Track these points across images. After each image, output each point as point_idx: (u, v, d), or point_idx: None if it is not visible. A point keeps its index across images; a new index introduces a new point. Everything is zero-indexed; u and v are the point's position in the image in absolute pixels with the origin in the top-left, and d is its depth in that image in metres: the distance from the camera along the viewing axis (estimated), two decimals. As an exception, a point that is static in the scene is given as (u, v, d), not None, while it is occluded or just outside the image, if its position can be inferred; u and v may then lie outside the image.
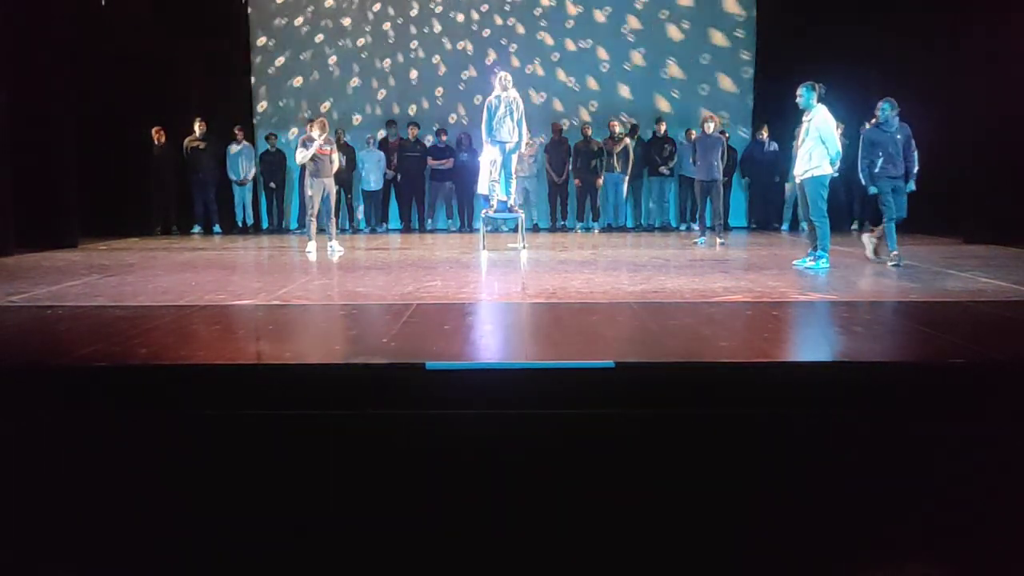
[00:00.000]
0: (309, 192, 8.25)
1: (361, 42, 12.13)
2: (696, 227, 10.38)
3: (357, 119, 12.12)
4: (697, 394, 3.32)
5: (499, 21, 12.09)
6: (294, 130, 11.65)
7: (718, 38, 12.01)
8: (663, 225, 11.72)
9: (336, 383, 3.38)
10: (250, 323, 4.60)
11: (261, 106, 12.15)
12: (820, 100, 6.65)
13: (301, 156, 8.20)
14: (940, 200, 9.81)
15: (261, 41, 12.10)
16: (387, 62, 12.14)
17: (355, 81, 12.17)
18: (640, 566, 3.18)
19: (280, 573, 3.20)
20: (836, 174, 6.85)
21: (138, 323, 4.35)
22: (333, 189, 8.44)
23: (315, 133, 8.19)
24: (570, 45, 12.10)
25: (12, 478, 3.22)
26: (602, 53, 12.08)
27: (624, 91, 12.11)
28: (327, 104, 11.94)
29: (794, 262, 6.93)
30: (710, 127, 9.31)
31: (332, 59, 12.13)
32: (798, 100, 6.73)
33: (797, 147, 6.94)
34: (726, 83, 12.01)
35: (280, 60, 12.12)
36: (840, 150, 6.69)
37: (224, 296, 5.37)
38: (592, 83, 12.12)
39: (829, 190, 6.76)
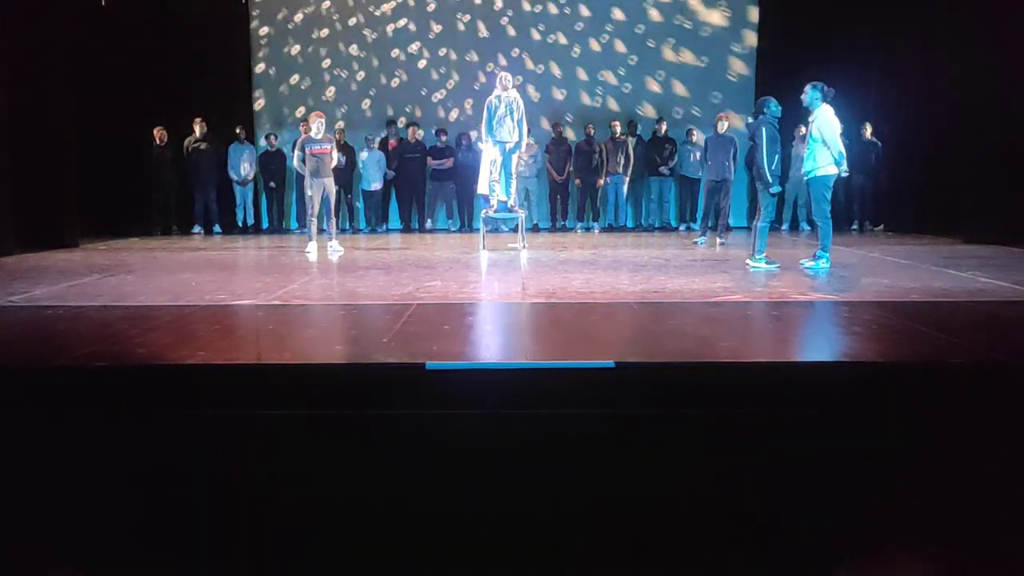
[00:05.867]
0: (309, 192, 8.25)
1: (362, 42, 12.13)
2: (696, 227, 10.39)
3: (353, 115, 12.13)
4: (697, 394, 3.32)
5: (500, 21, 12.10)
6: (302, 120, 11.58)
7: (720, 39, 12.01)
8: (663, 225, 11.72)
9: (336, 383, 3.38)
10: (250, 323, 4.60)
11: (261, 106, 12.16)
12: (826, 102, 6.64)
13: (295, 160, 8.24)
14: (940, 200, 9.84)
15: (262, 41, 12.11)
16: (387, 62, 12.14)
17: (356, 81, 12.18)
18: (640, 565, 3.18)
19: (280, 573, 3.20)
20: (846, 174, 6.88)
21: (138, 323, 4.35)
22: (333, 189, 8.43)
23: (313, 128, 8.20)
24: (571, 44, 12.10)
25: (12, 478, 3.22)
26: (603, 53, 12.09)
27: (625, 91, 12.11)
28: (328, 104, 11.94)
29: (801, 262, 6.93)
30: (723, 126, 9.34)
31: (333, 59, 12.13)
32: (803, 98, 6.73)
33: (802, 147, 6.97)
34: (728, 84, 12.01)
35: (281, 60, 12.13)
36: (843, 151, 6.67)
37: (224, 296, 5.37)
38: (593, 83, 12.12)
39: (831, 191, 6.77)
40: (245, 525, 3.20)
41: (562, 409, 3.25)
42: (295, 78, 12.14)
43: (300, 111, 12.01)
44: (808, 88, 6.70)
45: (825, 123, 6.58)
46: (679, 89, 12.08)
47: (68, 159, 9.03)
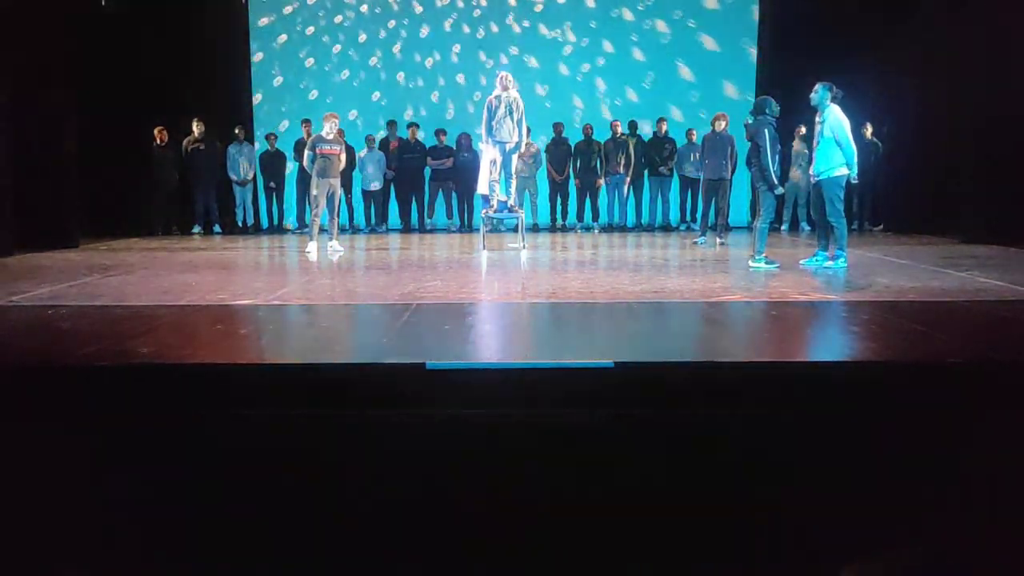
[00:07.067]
0: (315, 192, 8.27)
1: (362, 42, 12.15)
2: (696, 227, 10.39)
3: (354, 114, 12.14)
4: (697, 394, 3.33)
5: (500, 20, 12.11)
6: (303, 120, 11.61)
7: (721, 39, 12.04)
8: (663, 225, 11.73)
9: (336, 383, 3.38)
10: (250, 323, 4.61)
11: (259, 103, 12.17)
12: (834, 102, 6.62)
13: (305, 160, 8.28)
14: (940, 200, 9.84)
15: (261, 41, 12.12)
16: (387, 62, 12.16)
17: (355, 82, 12.19)
18: (640, 565, 3.18)
19: (280, 573, 3.21)
20: (856, 181, 6.86)
21: (139, 323, 4.35)
22: (339, 190, 8.48)
23: (325, 128, 8.22)
24: (571, 44, 12.12)
25: (12, 479, 3.23)
26: (603, 53, 12.11)
27: (625, 91, 12.12)
28: (328, 104, 11.94)
29: (801, 262, 6.94)
30: (721, 125, 9.35)
31: (332, 59, 12.15)
32: (812, 97, 6.71)
33: (803, 147, 6.95)
34: (728, 84, 12.03)
35: (280, 60, 12.14)
36: (855, 150, 6.64)
37: (225, 296, 5.37)
38: (593, 82, 12.14)
39: (844, 190, 6.75)
40: (245, 525, 3.21)
41: (562, 409, 3.26)
42: (294, 77, 12.15)
43: (300, 109, 12.04)
44: (818, 87, 6.67)
45: (837, 124, 6.55)
46: (680, 90, 12.10)
47: (68, 159, 9.03)
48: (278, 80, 12.17)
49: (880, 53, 10.78)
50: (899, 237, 9.98)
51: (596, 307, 4.91)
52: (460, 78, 12.20)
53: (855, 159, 6.65)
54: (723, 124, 9.36)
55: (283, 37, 12.14)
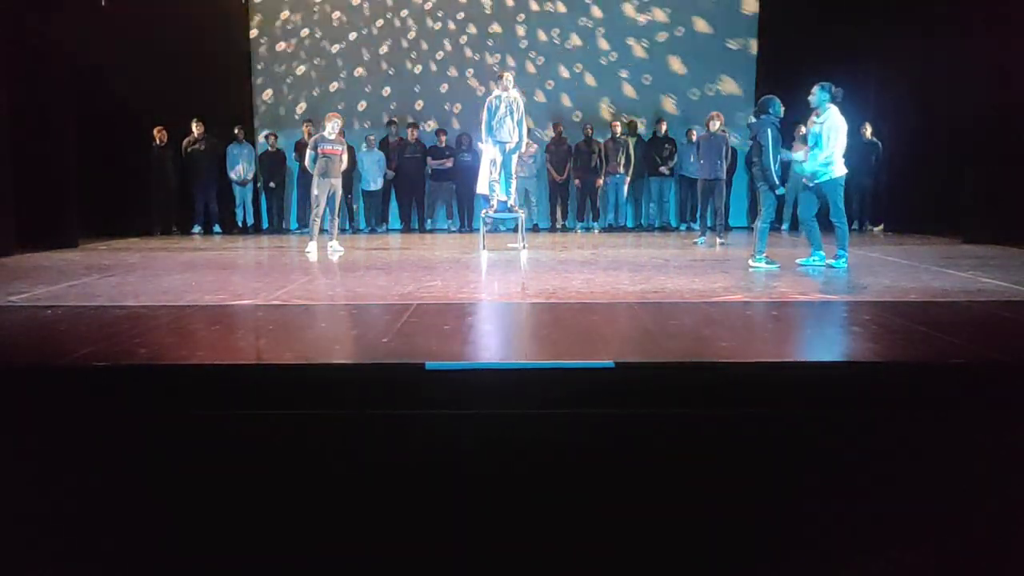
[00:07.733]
0: (316, 191, 8.27)
1: (362, 42, 12.14)
2: (696, 227, 10.39)
3: (353, 114, 12.14)
4: (697, 394, 3.32)
5: (501, 19, 12.11)
6: (304, 119, 11.60)
7: (722, 38, 12.03)
8: (663, 225, 11.73)
9: (336, 383, 3.38)
10: (250, 323, 4.60)
11: (261, 105, 12.17)
12: (833, 103, 6.57)
13: (307, 159, 8.28)
14: (940, 200, 9.84)
15: (262, 41, 12.12)
16: (387, 63, 12.16)
17: (356, 81, 12.19)
18: (639, 566, 3.18)
19: (279, 573, 3.20)
20: (810, 183, 6.74)
21: (138, 323, 4.35)
22: (340, 190, 8.48)
23: (327, 128, 8.21)
24: (571, 43, 12.11)
25: (11, 479, 3.22)
26: (603, 52, 12.10)
27: (625, 91, 12.12)
28: (328, 104, 11.95)
29: (799, 261, 6.94)
30: (715, 125, 9.33)
31: (333, 60, 12.15)
32: (811, 99, 6.67)
33: (803, 148, 6.89)
34: (728, 84, 12.03)
35: (280, 60, 12.14)
36: (834, 160, 6.54)
37: (224, 296, 5.36)
38: (593, 82, 12.14)
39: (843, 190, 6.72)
40: (244, 525, 3.20)
41: (562, 409, 3.25)
42: (295, 78, 12.15)
43: (300, 109, 12.05)
44: (816, 89, 6.62)
45: (833, 129, 6.49)
46: (680, 89, 12.10)
47: (68, 159, 9.03)
48: (278, 80, 12.16)
49: (881, 53, 10.78)
50: (899, 237, 9.98)
51: (596, 307, 4.90)
52: (464, 82, 12.20)
53: (827, 166, 6.53)
54: (717, 124, 9.34)
55: (283, 37, 12.13)
